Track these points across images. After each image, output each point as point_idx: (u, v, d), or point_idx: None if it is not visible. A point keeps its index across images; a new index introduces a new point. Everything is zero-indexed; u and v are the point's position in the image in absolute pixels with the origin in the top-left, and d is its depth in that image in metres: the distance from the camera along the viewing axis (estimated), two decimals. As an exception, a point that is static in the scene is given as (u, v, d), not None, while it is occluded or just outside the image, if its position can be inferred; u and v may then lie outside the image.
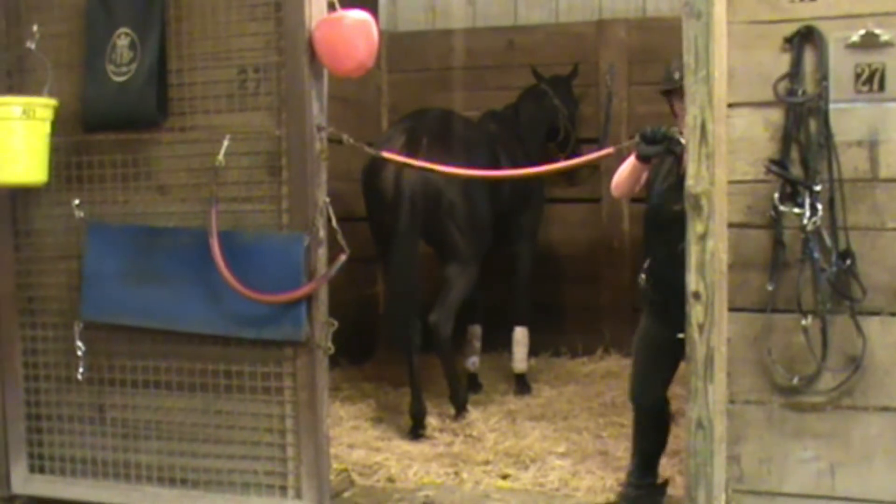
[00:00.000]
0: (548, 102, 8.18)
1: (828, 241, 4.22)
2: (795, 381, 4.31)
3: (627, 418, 6.57)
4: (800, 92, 4.22)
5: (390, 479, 5.71)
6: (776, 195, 4.26)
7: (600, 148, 8.25)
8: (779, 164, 4.25)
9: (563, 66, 8.42)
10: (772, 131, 4.30)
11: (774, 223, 4.29)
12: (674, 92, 5.03)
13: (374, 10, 7.31)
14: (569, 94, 8.39)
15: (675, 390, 5.32)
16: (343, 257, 4.79)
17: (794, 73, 4.23)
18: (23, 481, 5.46)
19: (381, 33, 5.06)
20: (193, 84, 5.02)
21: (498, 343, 8.09)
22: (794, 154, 4.26)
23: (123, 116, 5.03)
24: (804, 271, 4.25)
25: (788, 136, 4.25)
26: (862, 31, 4.16)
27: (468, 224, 6.75)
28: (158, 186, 5.14)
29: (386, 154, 5.65)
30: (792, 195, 4.25)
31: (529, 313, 7.80)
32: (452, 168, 5.96)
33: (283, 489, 4.99)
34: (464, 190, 6.57)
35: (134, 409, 5.22)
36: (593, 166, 8.31)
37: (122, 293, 5.07)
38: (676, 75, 4.92)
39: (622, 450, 5.99)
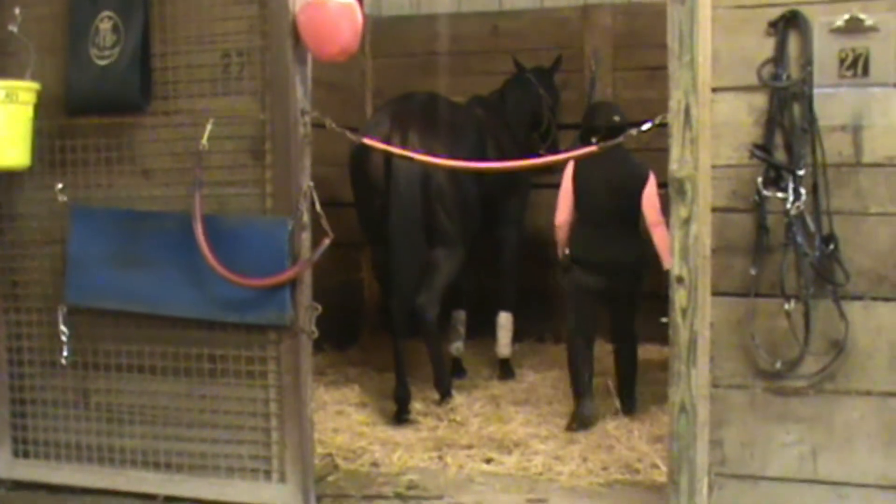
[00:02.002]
0: (533, 91, 8.15)
1: (811, 225, 4.23)
2: (778, 365, 4.32)
3: (612, 403, 6.60)
4: (784, 76, 4.22)
5: (374, 464, 5.69)
6: (760, 180, 4.27)
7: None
8: (763, 148, 4.25)
9: (549, 51, 8.39)
10: (756, 116, 4.31)
11: (758, 208, 4.30)
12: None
13: (358, -5, 7.25)
14: (551, 84, 8.36)
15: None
16: (327, 242, 4.78)
17: (779, 58, 4.23)
18: (7, 466, 5.45)
19: (365, 18, 5.03)
20: (177, 68, 5.00)
21: (482, 328, 8.06)
22: (779, 139, 4.26)
23: (107, 100, 5.01)
24: (788, 256, 4.26)
25: (772, 120, 4.25)
26: (846, 16, 4.16)
27: (456, 207, 6.72)
28: (142, 170, 5.12)
29: (367, 141, 5.59)
30: (776, 180, 4.26)
31: (514, 299, 7.78)
32: (436, 155, 5.95)
33: (268, 473, 4.99)
34: (451, 173, 6.54)
35: (118, 394, 5.21)
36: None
37: (106, 277, 5.05)
38: (616, 118, 6.45)
39: (606, 434, 5.99)
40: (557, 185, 8.66)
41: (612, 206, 6.32)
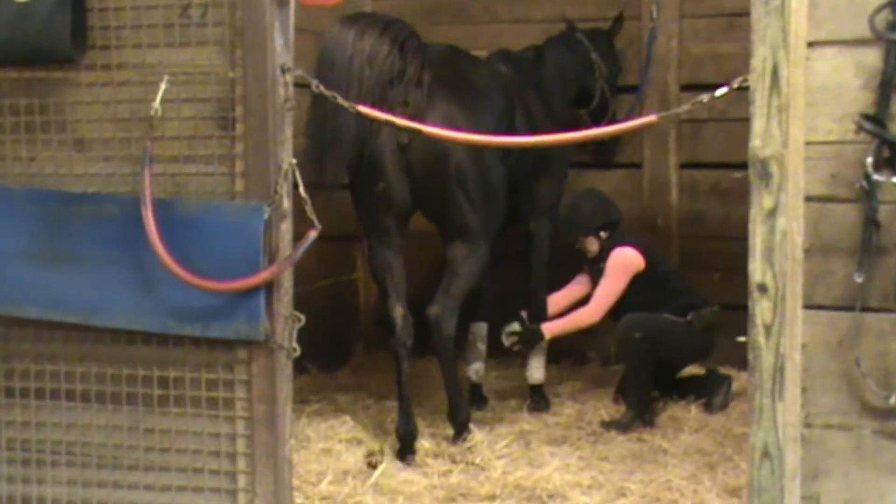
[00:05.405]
0: (583, 53, 8.15)
1: (938, 219, 4.16)
2: (893, 400, 4.24)
3: (671, 443, 6.58)
4: (906, 25, 4.14)
5: (370, 518, 5.72)
6: (869, 160, 4.18)
7: (639, 97, 8.23)
8: (875, 120, 4.18)
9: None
10: (866, 77, 4.22)
11: (867, 196, 4.22)
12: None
13: (355, -80, 7.23)
14: (610, 52, 8.36)
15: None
16: (313, 234, 4.75)
17: (900, 1, 4.15)
18: None
19: (363, -52, 5.00)
20: (121, 9, 4.95)
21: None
22: (896, 107, 4.18)
23: (27, 49, 4.95)
24: (905, 258, 4.19)
25: (888, 83, 4.16)
26: None
27: (479, 192, 6.69)
28: (75, 141, 5.08)
29: (363, 109, 5.51)
30: (891, 160, 4.18)
31: (548, 309, 7.76)
32: (457, 127, 5.99)
33: (233, 529, 4.98)
34: (474, 149, 6.49)
35: (38, 428, 5.17)
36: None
37: (25, 277, 5.02)
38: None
39: (667, 485, 5.96)
40: (604, 166, 8.71)
41: None
